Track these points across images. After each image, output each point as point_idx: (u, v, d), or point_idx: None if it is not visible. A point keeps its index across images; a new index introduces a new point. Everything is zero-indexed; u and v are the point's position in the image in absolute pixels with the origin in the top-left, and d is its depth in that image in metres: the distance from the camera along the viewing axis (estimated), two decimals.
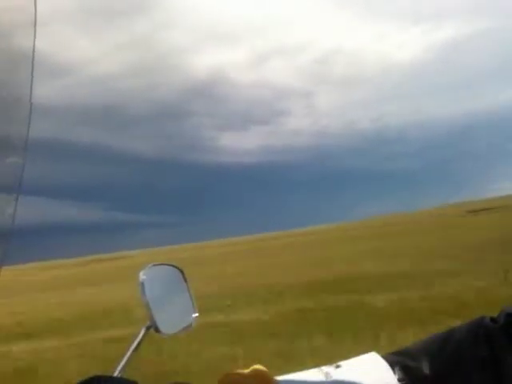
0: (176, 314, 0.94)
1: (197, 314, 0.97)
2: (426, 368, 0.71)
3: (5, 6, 0.74)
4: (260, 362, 0.65)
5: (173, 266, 1.01)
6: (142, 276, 0.89)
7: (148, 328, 0.86)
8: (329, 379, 0.68)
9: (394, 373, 0.70)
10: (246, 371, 0.67)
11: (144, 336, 0.86)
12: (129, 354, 0.83)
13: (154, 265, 0.96)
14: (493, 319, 0.74)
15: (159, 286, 0.93)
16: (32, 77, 0.71)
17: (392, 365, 0.71)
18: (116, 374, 0.80)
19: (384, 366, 0.71)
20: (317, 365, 0.73)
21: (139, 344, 0.85)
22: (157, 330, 0.86)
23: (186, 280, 1.00)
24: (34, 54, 0.75)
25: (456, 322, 0.77)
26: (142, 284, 0.88)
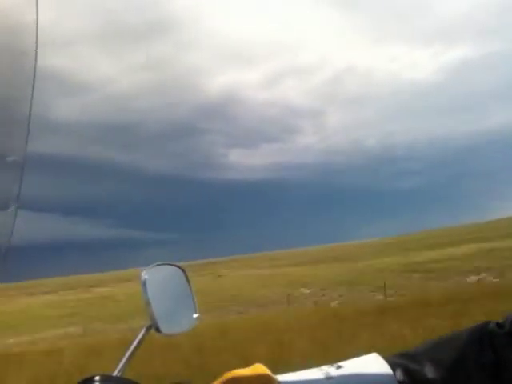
0: (177, 315, 0.93)
1: (198, 315, 0.96)
2: (428, 371, 0.69)
3: (6, 12, 0.75)
4: None
5: (175, 265, 1.00)
6: (143, 275, 0.88)
7: (148, 328, 0.86)
8: (330, 379, 0.67)
9: (396, 375, 0.69)
10: (247, 370, 0.67)
11: (144, 336, 0.86)
12: (129, 353, 0.83)
13: (157, 264, 0.96)
14: (498, 324, 0.72)
15: (161, 285, 0.92)
16: (32, 91, 0.71)
17: (393, 366, 0.70)
18: (116, 373, 0.79)
19: (385, 367, 0.70)
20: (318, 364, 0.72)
21: (139, 344, 0.84)
22: (157, 329, 0.85)
23: (188, 280, 0.99)
24: (36, 59, 0.75)
25: None
26: (144, 283, 0.87)
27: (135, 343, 0.84)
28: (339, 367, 0.70)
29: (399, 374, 0.69)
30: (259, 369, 0.67)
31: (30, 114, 0.71)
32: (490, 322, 0.74)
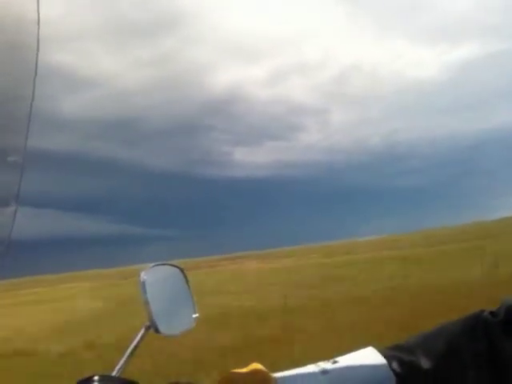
0: (176, 315, 0.94)
1: (197, 315, 0.96)
2: (423, 362, 0.70)
3: (7, 7, 0.75)
4: None
5: (174, 266, 1.00)
6: (143, 276, 0.88)
7: (147, 328, 0.86)
8: (326, 375, 0.68)
9: (391, 367, 0.70)
10: (245, 370, 0.67)
11: (143, 336, 0.86)
12: (128, 353, 0.83)
13: (156, 264, 0.96)
14: (492, 313, 0.73)
15: (160, 285, 0.92)
16: (33, 88, 0.71)
17: (389, 359, 0.71)
18: (115, 373, 0.79)
19: (381, 360, 0.70)
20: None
21: (138, 344, 0.85)
22: (156, 330, 0.85)
23: (187, 280, 0.99)
24: (37, 56, 0.75)
25: None
26: (143, 284, 0.87)
27: (134, 344, 0.84)
28: (335, 362, 0.71)
29: (395, 367, 0.70)
30: (256, 367, 0.68)
31: (30, 111, 0.71)
32: (483, 310, 0.74)
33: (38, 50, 0.76)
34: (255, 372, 0.67)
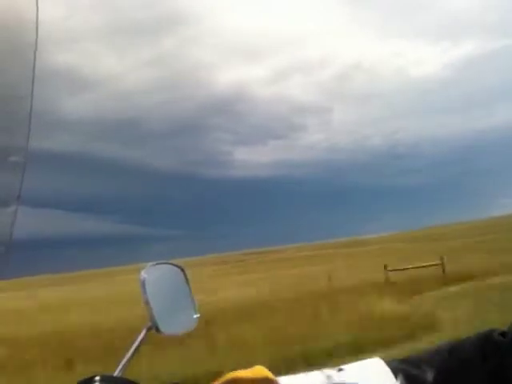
0: (177, 315, 0.93)
1: (198, 315, 0.96)
2: (430, 378, 0.69)
3: (7, 8, 0.74)
4: None
5: (174, 265, 0.99)
6: (142, 275, 0.88)
7: (149, 328, 0.85)
8: (331, 382, 0.67)
9: (397, 380, 0.68)
10: (248, 372, 0.66)
11: (145, 336, 0.86)
12: (129, 354, 0.83)
13: (156, 263, 0.95)
14: (502, 333, 0.71)
15: (160, 285, 0.91)
16: (32, 88, 0.71)
17: (395, 372, 0.69)
18: (116, 373, 0.79)
19: (387, 372, 0.69)
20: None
21: (140, 344, 0.84)
22: (157, 330, 0.85)
23: (187, 279, 0.99)
24: (35, 56, 0.74)
25: None
26: (143, 283, 0.86)
27: (136, 344, 0.84)
28: (340, 370, 0.70)
29: (401, 380, 0.68)
30: (260, 371, 0.67)
31: (30, 111, 0.71)
32: (493, 330, 0.73)
33: (36, 49, 0.76)
34: (258, 375, 0.66)
